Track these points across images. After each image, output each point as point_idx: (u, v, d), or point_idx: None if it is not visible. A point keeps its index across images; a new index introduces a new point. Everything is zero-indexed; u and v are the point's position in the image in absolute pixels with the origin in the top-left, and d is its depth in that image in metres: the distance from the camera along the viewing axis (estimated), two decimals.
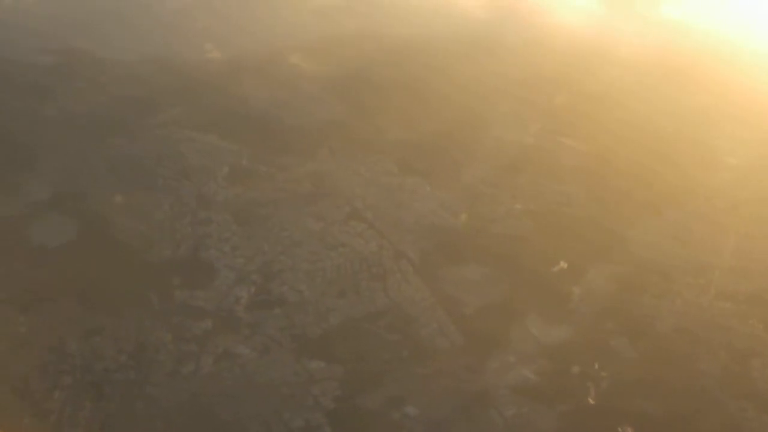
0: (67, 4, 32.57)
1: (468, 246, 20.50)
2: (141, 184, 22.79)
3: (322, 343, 17.97)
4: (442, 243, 20.56)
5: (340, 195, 22.33)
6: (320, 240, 20.55)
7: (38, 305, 18.56)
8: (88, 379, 16.62)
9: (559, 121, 24.53)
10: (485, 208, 21.78)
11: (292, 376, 16.57)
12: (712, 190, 21.36)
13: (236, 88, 27.89)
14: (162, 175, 23.14)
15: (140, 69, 29.30)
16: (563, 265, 19.95)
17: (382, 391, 16.36)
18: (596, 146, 23.49)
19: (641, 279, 19.40)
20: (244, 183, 22.90)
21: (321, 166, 23.75)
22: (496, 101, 24.79)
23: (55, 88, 27.97)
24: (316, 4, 32.49)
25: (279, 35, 30.09)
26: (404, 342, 17.83)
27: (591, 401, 15.84)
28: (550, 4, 29.79)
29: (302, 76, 27.61)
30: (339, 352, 17.61)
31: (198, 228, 21.12)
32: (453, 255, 20.18)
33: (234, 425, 15.79)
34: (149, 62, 29.70)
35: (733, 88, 26.18)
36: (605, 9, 29.28)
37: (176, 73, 29.20)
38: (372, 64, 28.04)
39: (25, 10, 32.36)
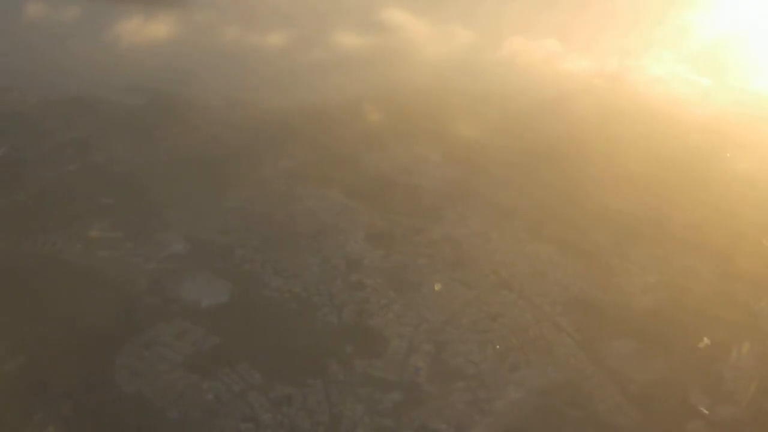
0: (170, 52, 32.39)
1: (616, 320, 21.26)
2: (282, 243, 22.82)
3: (511, 418, 18.35)
4: (591, 316, 21.26)
5: (482, 262, 22.88)
6: (478, 310, 20.97)
7: (216, 370, 18.43)
8: None
9: (669, 193, 25.57)
10: (621, 280, 22.60)
11: None
12: None
13: (343, 142, 28.22)
14: (301, 234, 23.26)
15: (234, 115, 29.35)
16: (707, 341, 20.88)
17: None
18: (708, 218, 24.65)
19: None
20: (384, 245, 23.25)
21: (453, 230, 24.27)
22: (612, 170, 25.75)
23: (155, 131, 27.72)
24: (429, 60, 33.01)
25: (386, 92, 30.47)
26: (588, 419, 18.41)
27: None
28: (676, 84, 31.09)
29: (412, 135, 28.12)
30: (528, 428, 18.02)
31: (354, 293, 21.31)
32: (605, 329, 20.89)
33: None
34: (242, 106, 29.70)
35: None
36: (713, 83, 30.58)
37: (277, 121, 29.27)
38: (489, 130, 28.77)
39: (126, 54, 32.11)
